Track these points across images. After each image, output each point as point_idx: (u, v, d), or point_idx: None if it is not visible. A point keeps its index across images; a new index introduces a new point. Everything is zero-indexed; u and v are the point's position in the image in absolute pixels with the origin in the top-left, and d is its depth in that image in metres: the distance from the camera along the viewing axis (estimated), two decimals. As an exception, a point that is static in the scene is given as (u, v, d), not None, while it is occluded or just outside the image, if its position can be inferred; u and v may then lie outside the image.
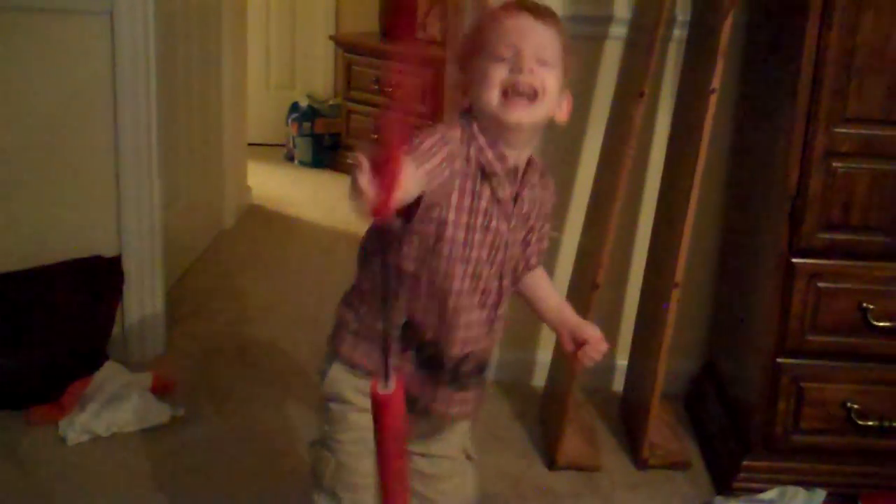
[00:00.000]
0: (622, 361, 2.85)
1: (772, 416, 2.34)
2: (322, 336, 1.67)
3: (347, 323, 1.57)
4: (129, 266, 2.86)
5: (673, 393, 2.77)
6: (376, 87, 4.79)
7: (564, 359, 2.58)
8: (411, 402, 1.51)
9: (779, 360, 2.31)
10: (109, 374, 2.65)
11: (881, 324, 2.26)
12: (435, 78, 4.48)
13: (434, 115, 4.47)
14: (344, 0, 5.42)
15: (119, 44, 2.70)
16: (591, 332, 1.57)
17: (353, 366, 1.55)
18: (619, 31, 2.66)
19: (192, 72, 3.54)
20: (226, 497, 2.30)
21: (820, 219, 2.23)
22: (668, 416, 2.68)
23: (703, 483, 2.48)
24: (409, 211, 1.42)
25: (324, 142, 5.19)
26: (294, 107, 5.23)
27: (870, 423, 2.32)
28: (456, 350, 1.51)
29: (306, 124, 5.17)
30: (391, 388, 1.16)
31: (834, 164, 2.20)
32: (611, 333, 2.89)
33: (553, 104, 1.48)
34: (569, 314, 1.61)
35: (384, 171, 1.10)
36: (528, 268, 1.61)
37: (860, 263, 2.26)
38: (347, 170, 5.23)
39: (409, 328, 1.50)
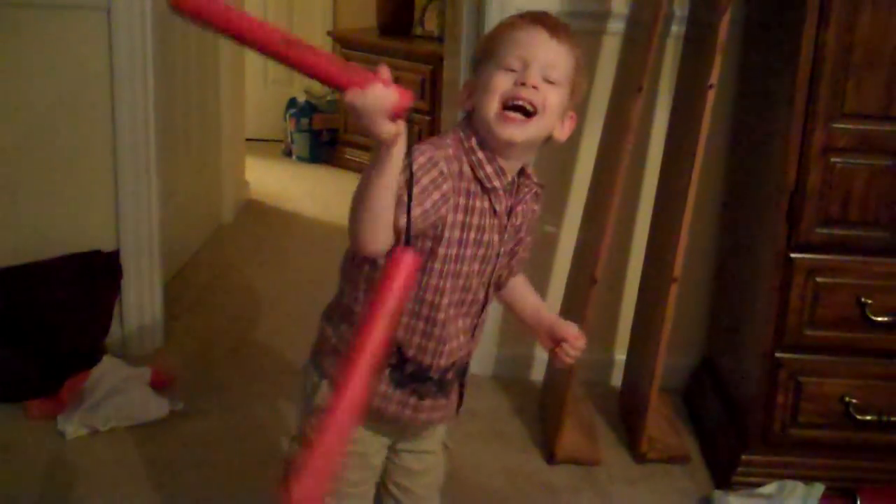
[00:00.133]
0: (621, 356, 2.85)
1: (770, 411, 2.35)
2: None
3: (328, 338, 1.54)
4: (128, 261, 2.86)
5: (672, 387, 2.78)
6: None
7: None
8: (393, 421, 1.52)
9: (777, 354, 2.32)
10: (108, 369, 2.65)
11: (879, 318, 2.26)
12: (433, 74, 4.48)
13: (432, 111, 4.48)
14: (341, -4, 5.42)
15: (116, 40, 2.70)
16: (569, 329, 1.57)
17: None
18: (617, 26, 2.66)
19: (190, 67, 3.53)
20: (225, 491, 2.31)
21: (818, 214, 2.23)
22: (666, 411, 2.69)
23: (701, 477, 2.49)
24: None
25: (322, 137, 5.18)
26: (292, 102, 5.23)
27: (868, 417, 2.33)
28: (443, 362, 1.50)
29: (304, 120, 5.16)
30: None
31: (832, 160, 2.20)
32: (609, 328, 2.89)
33: (552, 122, 1.45)
34: (546, 314, 1.62)
35: None
36: (512, 275, 1.61)
37: (858, 258, 2.26)
38: (345, 165, 5.23)
39: (389, 348, 1.49)
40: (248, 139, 4.57)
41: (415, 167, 1.32)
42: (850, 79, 2.15)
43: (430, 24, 4.83)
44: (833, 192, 2.22)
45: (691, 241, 2.45)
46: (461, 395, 1.63)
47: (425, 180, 1.35)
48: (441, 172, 1.37)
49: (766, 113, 2.43)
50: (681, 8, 2.64)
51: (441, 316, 1.46)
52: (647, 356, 2.55)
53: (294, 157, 5.23)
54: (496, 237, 1.48)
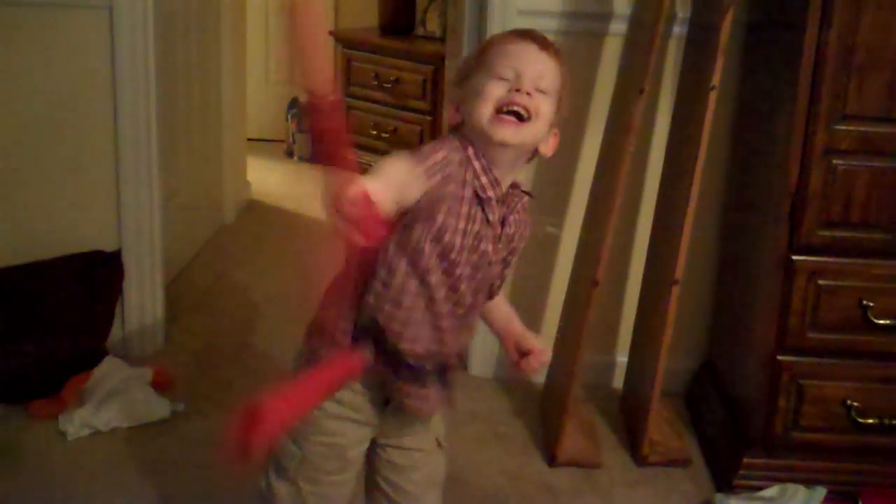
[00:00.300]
0: (622, 358, 2.85)
1: (772, 414, 2.34)
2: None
3: (311, 351, 1.60)
4: (129, 261, 2.86)
5: (673, 390, 2.77)
6: (375, 82, 4.78)
7: (564, 356, 2.58)
8: (379, 383, 1.55)
9: (779, 357, 2.32)
10: (109, 370, 2.65)
11: (881, 321, 2.26)
12: (434, 74, 4.48)
13: (433, 111, 4.48)
14: (343, -4, 5.42)
15: (118, 39, 2.70)
16: (535, 343, 1.62)
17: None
18: (619, 27, 2.66)
19: (192, 67, 3.53)
20: (225, 492, 2.30)
21: (820, 216, 2.23)
22: (668, 414, 2.69)
23: (703, 480, 2.49)
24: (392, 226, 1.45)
25: (323, 137, 5.18)
26: (294, 102, 5.23)
27: (870, 420, 2.33)
28: (418, 350, 1.52)
29: (306, 120, 5.16)
30: None
31: (834, 162, 2.20)
32: (611, 330, 2.89)
33: (542, 132, 1.51)
34: (516, 325, 1.66)
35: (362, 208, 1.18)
36: (502, 283, 1.65)
37: (860, 261, 2.26)
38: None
39: (369, 328, 1.51)
40: (249, 139, 4.58)
41: (430, 161, 1.42)
42: (852, 80, 2.15)
43: (432, 24, 4.83)
44: (835, 194, 2.21)
45: (693, 244, 2.45)
46: (442, 395, 1.63)
47: (432, 160, 1.43)
48: (451, 174, 1.44)
49: (768, 115, 2.42)
50: (683, 9, 2.63)
51: (425, 311, 1.49)
52: (648, 359, 2.54)
53: (296, 157, 5.23)
54: (491, 246, 1.52)
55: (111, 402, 2.54)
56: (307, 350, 1.62)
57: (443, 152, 1.45)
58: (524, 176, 1.62)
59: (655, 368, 2.48)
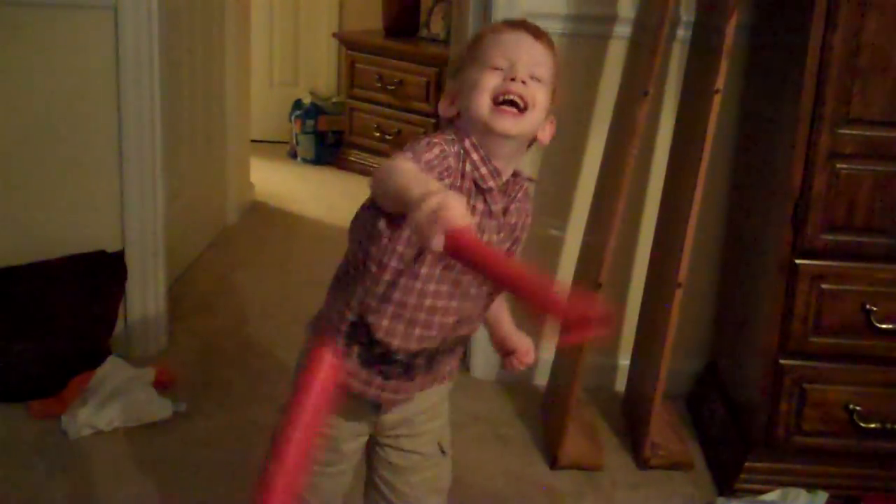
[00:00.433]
0: (624, 361, 2.85)
1: (774, 418, 2.34)
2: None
3: (328, 309, 1.59)
4: (132, 262, 2.86)
5: (675, 393, 2.77)
6: (379, 84, 4.79)
7: (566, 358, 2.58)
8: (356, 397, 1.54)
9: (781, 361, 2.31)
10: (112, 369, 2.65)
11: (884, 326, 2.26)
12: (438, 76, 4.48)
13: (437, 114, 4.47)
14: (347, -3, 5.43)
15: (123, 39, 2.70)
16: (520, 343, 1.64)
17: None
18: (623, 30, 2.66)
19: (196, 68, 3.54)
20: (227, 493, 2.30)
21: (823, 220, 2.23)
22: (670, 417, 2.68)
23: (704, 484, 2.48)
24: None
25: (327, 139, 5.18)
26: (297, 104, 5.23)
27: (872, 425, 2.32)
28: (413, 346, 1.51)
29: (309, 121, 5.16)
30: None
31: (837, 166, 2.19)
32: (614, 333, 2.89)
33: (540, 121, 1.50)
34: (506, 323, 1.67)
35: None
36: None
37: (863, 265, 2.26)
38: (350, 167, 5.23)
39: (359, 327, 1.50)
40: (253, 140, 4.58)
41: (426, 157, 1.40)
42: (856, 84, 2.14)
43: (436, 27, 4.83)
44: (838, 198, 2.21)
45: (696, 247, 2.45)
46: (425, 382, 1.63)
47: (427, 156, 1.42)
48: (448, 167, 1.43)
49: (772, 118, 2.42)
50: (687, 12, 2.63)
51: (427, 303, 1.48)
52: (651, 362, 2.54)
53: (299, 158, 5.23)
54: (494, 237, 1.51)
55: (113, 402, 2.54)
56: (305, 349, 1.62)
57: (438, 147, 1.44)
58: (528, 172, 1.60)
59: (658, 371, 2.47)
